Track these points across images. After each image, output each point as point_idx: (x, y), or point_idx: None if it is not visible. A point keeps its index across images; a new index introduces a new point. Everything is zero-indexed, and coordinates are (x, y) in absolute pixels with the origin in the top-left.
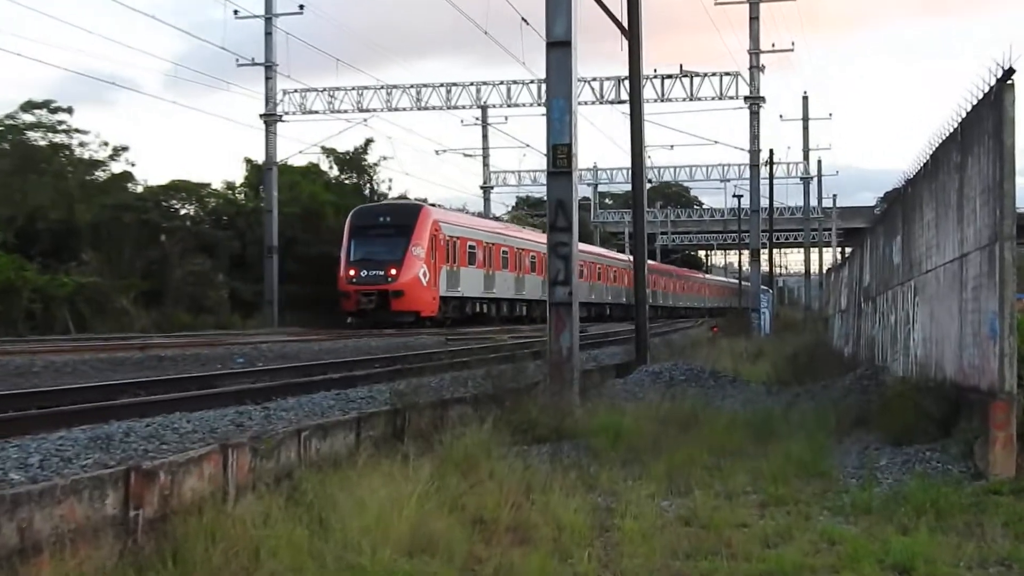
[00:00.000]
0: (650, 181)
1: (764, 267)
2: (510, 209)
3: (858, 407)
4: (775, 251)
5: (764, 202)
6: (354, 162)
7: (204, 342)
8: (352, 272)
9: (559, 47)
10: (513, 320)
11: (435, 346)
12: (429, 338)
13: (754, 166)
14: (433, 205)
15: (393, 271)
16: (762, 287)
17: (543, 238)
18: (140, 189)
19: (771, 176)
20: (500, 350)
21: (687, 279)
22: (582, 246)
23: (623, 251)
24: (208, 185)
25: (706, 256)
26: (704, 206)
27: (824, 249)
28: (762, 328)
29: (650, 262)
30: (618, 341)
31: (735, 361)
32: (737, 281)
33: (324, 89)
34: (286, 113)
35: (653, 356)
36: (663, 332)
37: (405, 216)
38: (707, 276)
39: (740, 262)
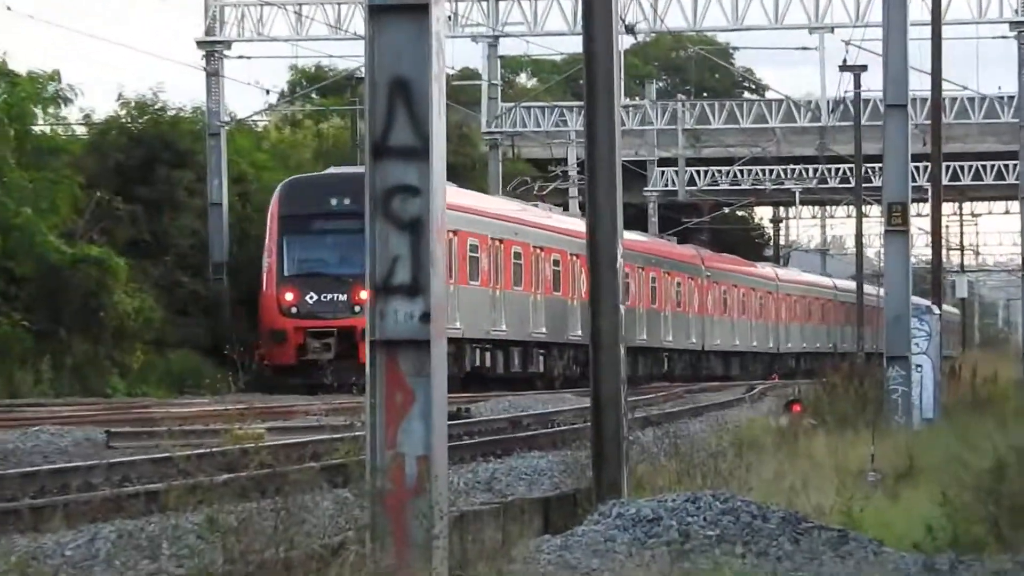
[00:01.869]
0: (635, 33)
1: (920, 248)
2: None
3: None
4: (951, 208)
5: (916, 83)
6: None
7: None
8: (289, 295)
9: None
10: (526, 380)
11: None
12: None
13: None
14: None
15: (364, 293)
16: (916, 302)
17: (572, 223)
18: None
19: (936, 16)
20: (244, 463)
21: (731, 279)
22: (631, 236)
23: (566, 210)
24: None
25: (776, 222)
26: (768, 93)
27: None
28: (916, 404)
29: (640, 239)
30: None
31: (846, 488)
32: (851, 286)
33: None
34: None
35: (637, 474)
36: (668, 413)
37: None
38: (779, 273)
39: (859, 239)
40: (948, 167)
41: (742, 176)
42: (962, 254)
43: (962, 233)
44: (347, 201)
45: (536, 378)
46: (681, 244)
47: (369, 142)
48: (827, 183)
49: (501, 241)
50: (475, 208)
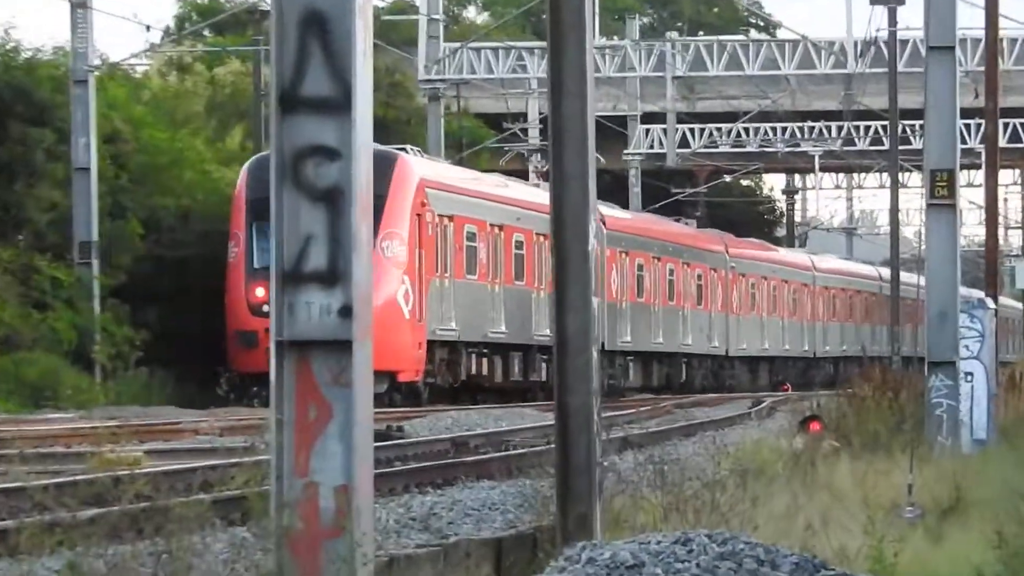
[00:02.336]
0: None
1: (971, 227)
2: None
3: None
4: (1011, 177)
5: (967, 19)
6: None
7: None
8: (260, 291)
9: None
10: (523, 391)
11: None
12: None
13: None
14: (405, 150)
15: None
16: (966, 294)
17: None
18: None
19: None
20: (116, 495)
21: (759, 269)
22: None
23: (526, 179)
24: None
25: (791, 194)
26: (781, 31)
27: None
28: (965, 422)
29: (618, 215)
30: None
31: (877, 527)
32: (883, 274)
33: None
34: None
35: (614, 509)
36: (653, 433)
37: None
38: (815, 262)
39: (894, 215)
40: (1007, 125)
41: (747, 136)
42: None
43: None
44: None
45: (538, 388)
46: (702, 227)
47: (276, 91)
48: (854, 145)
49: (501, 228)
50: (473, 189)
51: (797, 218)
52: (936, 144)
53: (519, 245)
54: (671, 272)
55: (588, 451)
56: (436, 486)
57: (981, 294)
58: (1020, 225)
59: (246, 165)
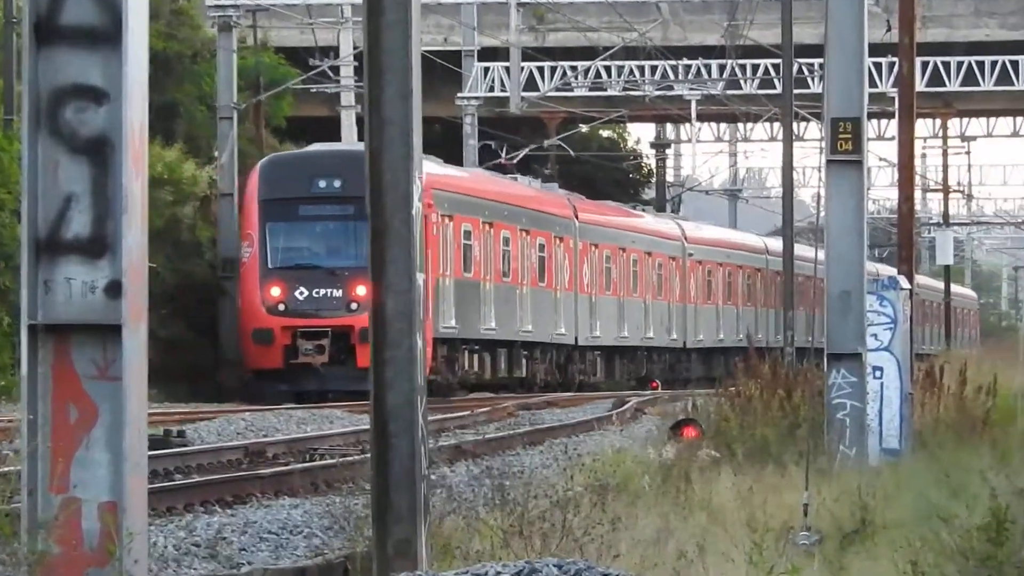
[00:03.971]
0: None
1: (881, 188)
2: None
3: None
4: (930, 128)
5: None
6: None
7: None
8: (276, 291)
9: None
10: (515, 386)
11: None
12: None
13: None
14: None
15: (362, 288)
16: (875, 271)
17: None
18: None
19: None
20: None
21: (615, 239)
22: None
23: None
24: None
25: (662, 147)
26: None
27: None
28: (873, 427)
29: (438, 170)
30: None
31: (765, 556)
32: (769, 246)
33: None
34: None
35: (443, 533)
36: (492, 440)
37: None
38: (686, 229)
39: (787, 174)
40: (925, 64)
41: (609, 77)
42: (945, 198)
43: (946, 166)
44: (337, 183)
45: (518, 384)
46: (547, 185)
47: (29, 19)
48: (739, 88)
49: (491, 225)
50: (470, 188)
51: (669, 177)
52: (839, 88)
53: (506, 242)
54: (506, 242)
55: (411, 461)
56: (225, 504)
57: (893, 271)
58: (941, 187)
59: (259, 164)
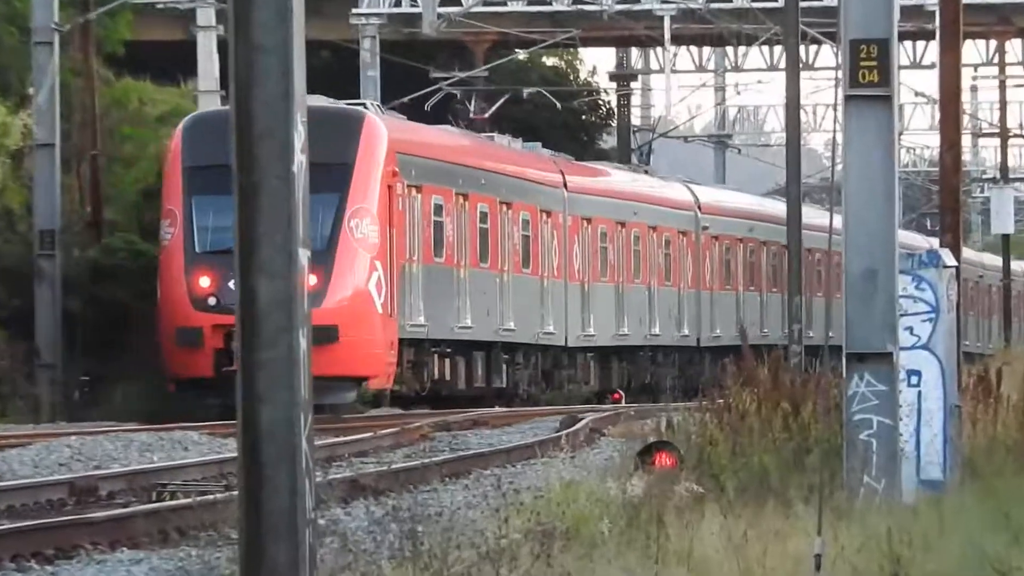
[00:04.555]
0: None
1: (915, 134)
2: None
3: None
4: (979, 53)
5: None
6: None
7: None
8: (205, 281)
9: None
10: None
11: None
12: None
13: None
14: (364, 105)
15: (312, 277)
16: (909, 243)
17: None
18: None
19: None
20: None
21: (610, 209)
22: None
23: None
24: None
25: (624, 80)
26: None
27: None
28: (908, 452)
29: (403, 129)
30: None
31: None
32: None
33: None
34: None
35: None
36: (401, 472)
37: (328, 137)
38: (700, 196)
39: (793, 113)
40: None
41: None
42: (1004, 145)
43: (1004, 102)
44: None
45: (495, 395)
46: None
47: None
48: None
49: (466, 197)
50: (441, 151)
51: (635, 120)
52: (861, 1)
53: (483, 218)
54: (483, 218)
55: (292, 500)
56: (45, 559)
57: (934, 243)
58: (998, 131)
59: (181, 124)
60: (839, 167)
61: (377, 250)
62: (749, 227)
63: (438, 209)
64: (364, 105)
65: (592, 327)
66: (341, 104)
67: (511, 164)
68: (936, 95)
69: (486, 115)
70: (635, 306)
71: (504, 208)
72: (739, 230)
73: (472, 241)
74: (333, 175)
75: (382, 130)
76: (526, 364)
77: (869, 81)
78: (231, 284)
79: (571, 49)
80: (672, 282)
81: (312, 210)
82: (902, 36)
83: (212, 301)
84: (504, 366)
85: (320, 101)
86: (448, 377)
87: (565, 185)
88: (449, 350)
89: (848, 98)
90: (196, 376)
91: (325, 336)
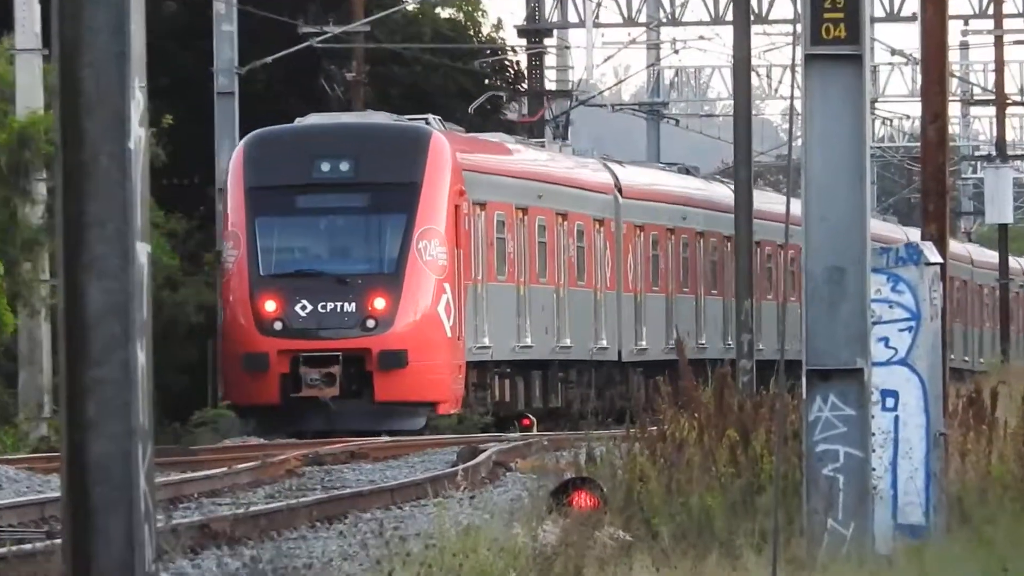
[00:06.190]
0: None
1: (891, 101)
2: None
3: None
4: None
5: None
6: None
7: None
8: (270, 305)
9: None
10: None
11: None
12: None
13: None
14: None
15: (381, 301)
16: (883, 234)
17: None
18: None
19: None
20: None
21: (482, 184)
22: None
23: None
24: None
25: (535, 36)
26: None
27: None
28: (883, 491)
29: (466, 144)
30: None
31: None
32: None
33: None
34: None
35: None
36: (261, 515)
37: (394, 155)
38: (620, 176)
39: (743, 75)
40: None
41: None
42: (1000, 115)
43: (1001, 63)
44: (345, 166)
45: (546, 415)
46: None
47: None
48: None
49: (525, 212)
50: (501, 164)
51: (550, 84)
52: None
53: (542, 231)
54: (542, 231)
55: (129, 551)
56: None
57: (915, 234)
58: (992, 97)
59: (243, 142)
60: (798, 142)
61: (445, 272)
62: (682, 214)
63: (500, 225)
64: (426, 120)
65: (644, 340)
66: (404, 120)
67: (566, 173)
68: (917, 54)
69: (534, 119)
70: (540, 312)
71: (560, 220)
72: (670, 218)
73: (532, 257)
74: (400, 195)
75: (448, 147)
76: (580, 380)
77: (835, 37)
78: (297, 308)
79: None
80: (586, 282)
81: (379, 231)
82: None
83: (278, 326)
84: (559, 385)
85: (382, 118)
86: (508, 398)
87: (619, 191)
88: (509, 371)
89: (809, 57)
90: (262, 403)
91: (395, 361)
